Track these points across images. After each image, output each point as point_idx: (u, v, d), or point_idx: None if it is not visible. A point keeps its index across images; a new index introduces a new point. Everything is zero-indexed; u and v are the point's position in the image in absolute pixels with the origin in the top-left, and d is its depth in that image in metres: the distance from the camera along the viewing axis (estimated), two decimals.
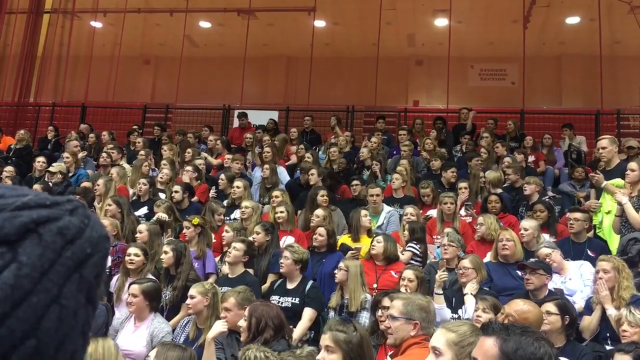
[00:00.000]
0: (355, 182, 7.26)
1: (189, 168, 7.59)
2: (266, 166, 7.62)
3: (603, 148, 5.54)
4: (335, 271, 4.63)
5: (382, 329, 3.51)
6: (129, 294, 4.11)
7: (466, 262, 4.56)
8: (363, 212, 5.84)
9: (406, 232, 5.61)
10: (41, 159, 8.32)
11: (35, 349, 0.47)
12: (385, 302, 3.67)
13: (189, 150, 8.66)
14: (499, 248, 4.91)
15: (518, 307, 3.28)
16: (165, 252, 4.83)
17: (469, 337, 2.13)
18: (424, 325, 2.53)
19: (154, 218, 6.01)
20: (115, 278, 4.93)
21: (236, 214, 6.52)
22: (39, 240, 0.49)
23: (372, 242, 5.18)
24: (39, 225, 0.49)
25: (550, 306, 3.61)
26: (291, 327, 4.12)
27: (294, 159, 9.11)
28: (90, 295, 0.53)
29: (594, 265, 4.37)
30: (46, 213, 0.50)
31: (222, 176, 7.55)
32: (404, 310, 2.61)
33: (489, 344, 1.62)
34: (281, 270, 4.74)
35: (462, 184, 6.73)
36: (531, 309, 3.28)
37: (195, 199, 7.16)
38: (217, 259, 5.59)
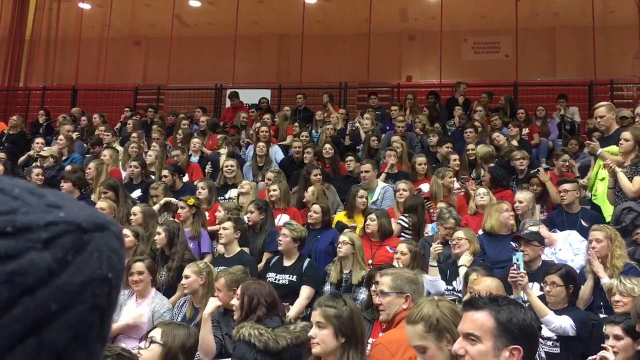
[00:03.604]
0: (349, 157, 7.23)
1: (176, 152, 7.58)
2: (261, 144, 7.59)
3: (601, 117, 5.49)
4: (339, 245, 4.58)
5: (376, 303, 3.53)
6: (134, 272, 4.09)
7: (460, 233, 4.58)
8: (361, 192, 5.80)
9: (402, 209, 5.61)
10: (40, 139, 8.36)
11: None
12: (379, 277, 3.68)
13: (180, 132, 8.69)
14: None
15: (486, 283, 3.40)
16: (158, 233, 4.84)
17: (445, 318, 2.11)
18: (415, 297, 2.54)
19: (162, 201, 5.98)
20: None
21: (230, 193, 6.51)
22: None
23: (365, 220, 5.18)
24: None
25: (554, 278, 3.71)
26: (287, 304, 4.14)
27: (289, 138, 9.05)
28: None
29: (587, 235, 4.38)
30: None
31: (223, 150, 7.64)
32: (393, 285, 2.62)
33: (483, 317, 1.67)
34: (279, 248, 4.74)
35: (453, 156, 6.70)
36: (496, 285, 3.40)
37: (187, 179, 7.15)
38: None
